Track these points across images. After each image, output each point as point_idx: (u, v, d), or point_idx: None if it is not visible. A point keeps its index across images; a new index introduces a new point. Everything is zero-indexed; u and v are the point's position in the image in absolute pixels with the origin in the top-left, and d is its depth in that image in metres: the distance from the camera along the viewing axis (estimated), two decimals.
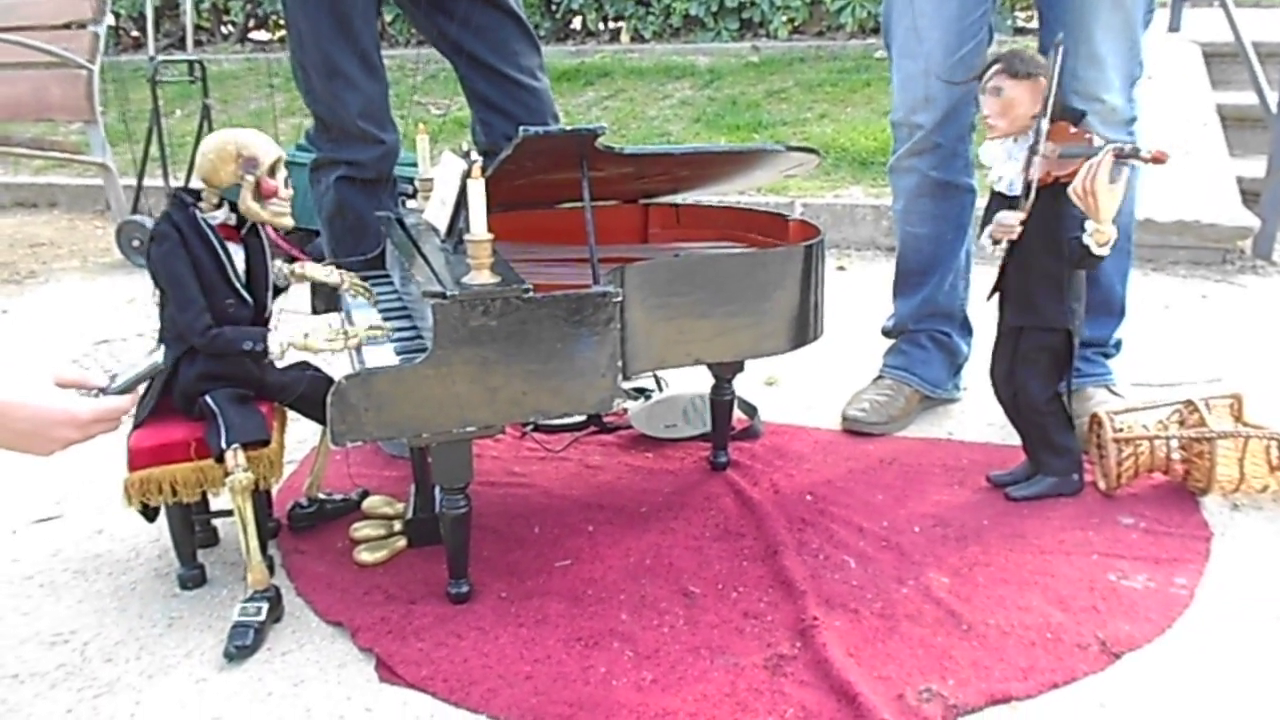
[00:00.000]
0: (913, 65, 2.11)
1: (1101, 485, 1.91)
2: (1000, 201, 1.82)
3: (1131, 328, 2.29)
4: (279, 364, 1.66)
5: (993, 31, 2.15)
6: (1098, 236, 1.67)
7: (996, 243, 1.80)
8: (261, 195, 1.61)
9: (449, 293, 1.43)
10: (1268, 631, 1.51)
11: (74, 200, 4.76)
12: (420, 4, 2.20)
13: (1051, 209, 1.74)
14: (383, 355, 1.59)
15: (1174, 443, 1.88)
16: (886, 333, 2.38)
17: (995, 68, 1.74)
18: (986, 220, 1.84)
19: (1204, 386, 2.28)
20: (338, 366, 1.59)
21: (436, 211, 1.74)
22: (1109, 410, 1.95)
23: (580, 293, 1.49)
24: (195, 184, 1.64)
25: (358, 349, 1.63)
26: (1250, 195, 3.51)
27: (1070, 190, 1.66)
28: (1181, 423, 1.91)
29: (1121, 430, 1.90)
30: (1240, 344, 2.68)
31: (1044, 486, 1.91)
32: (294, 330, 1.61)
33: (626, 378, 1.59)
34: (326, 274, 1.80)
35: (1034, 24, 2.33)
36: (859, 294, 3.09)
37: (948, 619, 1.55)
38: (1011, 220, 1.75)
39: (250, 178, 1.60)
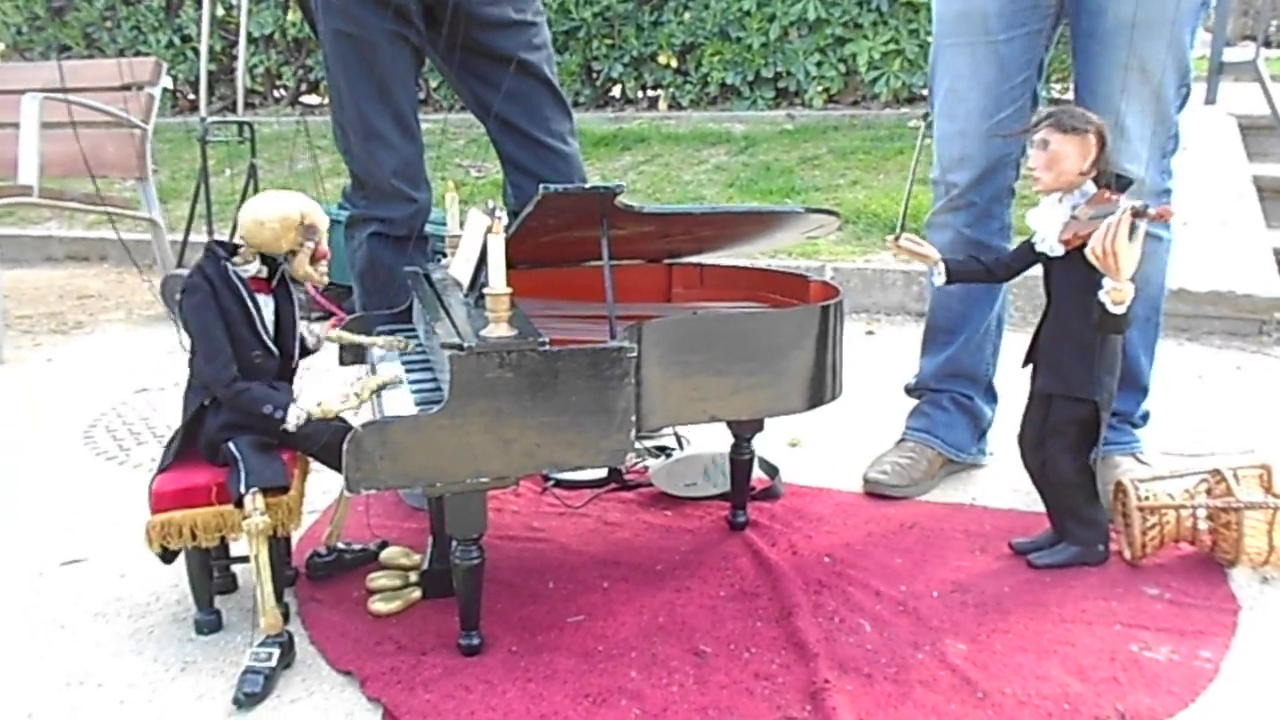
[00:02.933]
0: (950, 125, 2.15)
1: (1126, 554, 1.87)
2: (1030, 254, 1.84)
3: (1164, 398, 2.26)
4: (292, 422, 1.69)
5: (1037, 97, 2.17)
6: (1114, 295, 1.66)
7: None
8: (315, 259, 1.67)
9: (466, 344, 1.46)
10: None
11: (123, 254, 4.91)
12: (455, 69, 2.28)
13: (1084, 273, 1.74)
14: (401, 404, 1.62)
15: (1201, 512, 1.85)
16: (909, 390, 2.38)
17: (1045, 121, 1.75)
18: (1015, 258, 1.88)
19: (1236, 457, 2.24)
20: (363, 415, 1.61)
21: (461, 267, 1.78)
22: (1134, 478, 1.92)
23: (595, 347, 1.51)
24: (236, 239, 1.70)
25: (378, 397, 1.66)
26: None
27: (1088, 251, 1.65)
28: (1208, 492, 1.87)
29: (1147, 499, 1.87)
30: (1274, 416, 2.63)
31: (1068, 555, 1.87)
32: (309, 398, 1.65)
33: (641, 433, 1.60)
34: (356, 336, 1.85)
35: (1069, 95, 2.36)
36: (887, 358, 3.09)
37: (963, 686, 1.52)
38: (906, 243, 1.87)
39: (310, 244, 1.65)
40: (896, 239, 1.92)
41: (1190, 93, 2.06)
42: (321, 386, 1.70)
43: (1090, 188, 1.73)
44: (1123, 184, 1.75)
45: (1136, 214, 1.61)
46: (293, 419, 1.63)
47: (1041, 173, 1.75)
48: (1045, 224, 1.79)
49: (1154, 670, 1.55)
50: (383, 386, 1.68)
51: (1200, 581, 1.80)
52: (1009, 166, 2.16)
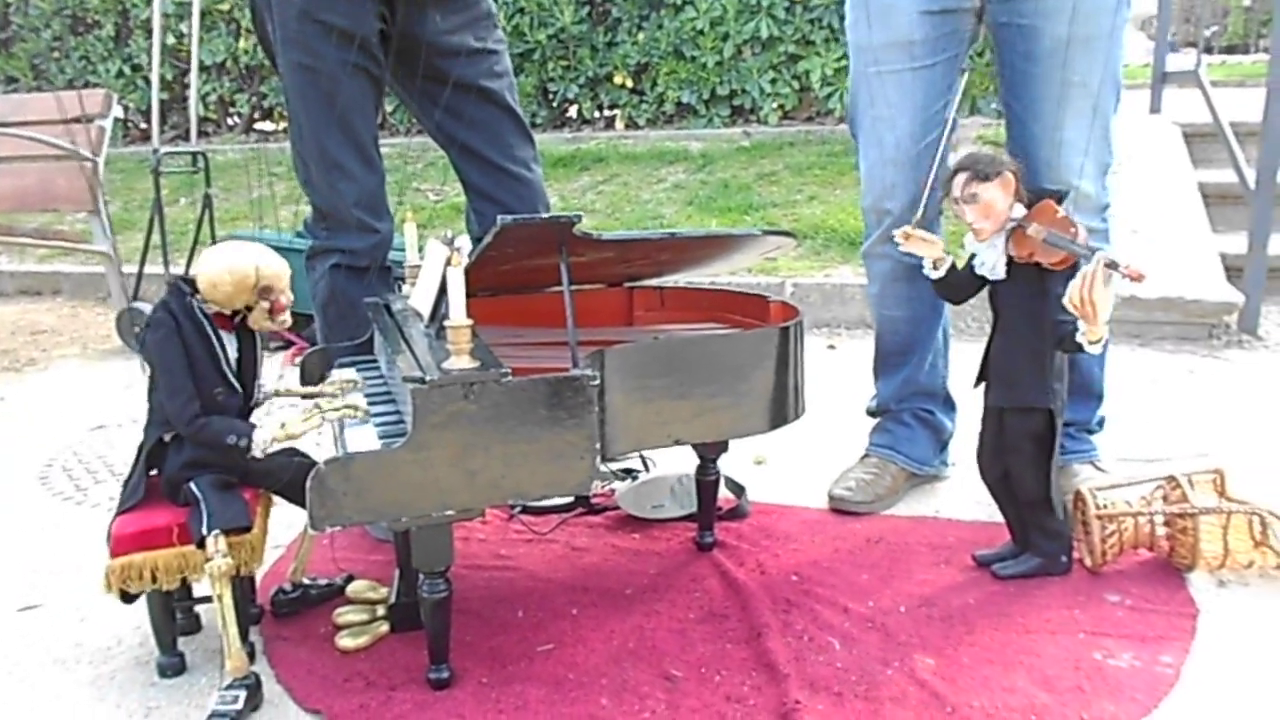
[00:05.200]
0: (878, 153, 2.15)
1: (1087, 562, 1.91)
2: (975, 279, 1.86)
3: (1118, 403, 2.31)
4: (260, 458, 1.67)
5: (956, 119, 2.20)
6: (1090, 335, 1.70)
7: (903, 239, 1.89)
8: (274, 313, 1.66)
9: (427, 377, 1.46)
10: (1254, 711, 1.50)
11: (77, 288, 4.84)
12: (417, 97, 2.28)
13: (1036, 286, 1.78)
14: (365, 439, 1.61)
15: (1158, 518, 1.88)
16: (870, 413, 2.40)
17: (963, 177, 1.78)
18: (942, 282, 1.90)
19: (1190, 462, 2.28)
20: (326, 450, 1.60)
21: (421, 298, 1.77)
22: (1092, 486, 1.96)
23: (557, 376, 1.52)
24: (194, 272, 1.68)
25: (341, 431, 1.65)
26: (1234, 271, 3.56)
27: (1066, 301, 1.68)
28: (1165, 498, 1.91)
29: (1105, 507, 1.90)
30: (1226, 419, 2.69)
31: (1031, 566, 1.90)
32: (272, 426, 1.63)
33: (606, 459, 1.61)
34: (307, 391, 1.83)
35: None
36: (849, 373, 3.12)
37: (932, 701, 1.54)
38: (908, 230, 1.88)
39: (265, 303, 1.64)
40: (908, 232, 1.89)
41: (1120, 102, 2.10)
42: (282, 414, 1.68)
43: (1019, 210, 1.76)
44: (1053, 194, 1.79)
45: (1110, 266, 1.65)
46: (258, 446, 1.61)
47: (980, 223, 1.78)
48: (986, 252, 1.82)
49: (1117, 678, 1.58)
50: (348, 415, 1.65)
51: (1159, 587, 1.84)
52: (937, 188, 2.18)
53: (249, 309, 1.66)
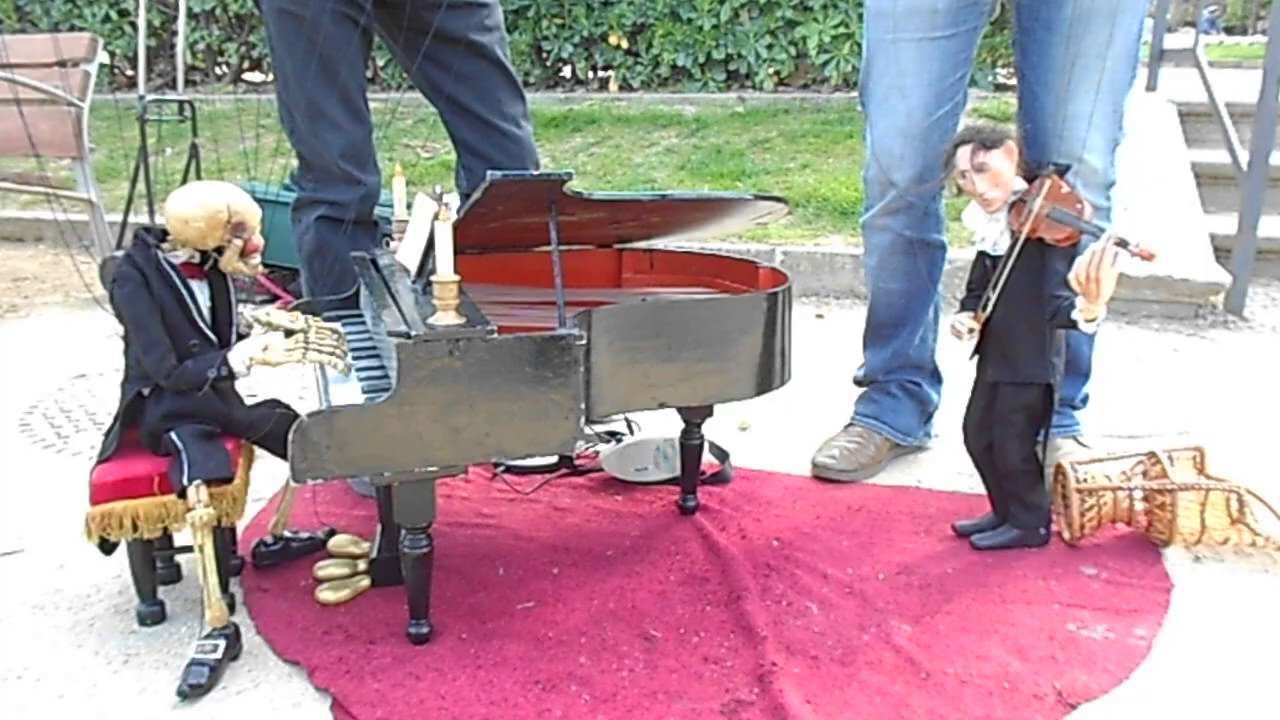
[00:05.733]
0: (890, 123, 2.12)
1: (1065, 535, 1.92)
2: (985, 262, 1.85)
3: (1103, 380, 2.32)
4: (244, 378, 1.64)
5: (967, 95, 2.18)
6: (1087, 313, 1.70)
7: (959, 337, 1.83)
8: (246, 254, 1.63)
9: (413, 333, 1.45)
10: (1223, 684, 1.52)
11: (60, 235, 4.77)
12: (407, 50, 2.24)
13: (1037, 263, 1.77)
14: (349, 393, 1.60)
15: (1137, 494, 1.90)
16: (858, 382, 2.40)
17: (968, 147, 1.76)
18: (971, 281, 1.88)
19: (1171, 439, 2.30)
20: (309, 404, 1.59)
21: (408, 252, 1.76)
22: (1073, 461, 1.97)
23: (544, 335, 1.51)
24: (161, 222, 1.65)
25: (325, 385, 1.64)
26: (1222, 251, 3.57)
27: (1071, 277, 1.68)
28: (1145, 474, 1.92)
29: (1085, 481, 1.91)
30: (1209, 398, 2.71)
31: (1009, 537, 1.91)
32: (254, 344, 1.60)
33: (591, 420, 1.61)
34: (291, 320, 1.80)
35: (1014, 80, 2.34)
36: (836, 342, 3.12)
37: (907, 667, 1.55)
38: (968, 323, 1.81)
39: (238, 241, 1.61)
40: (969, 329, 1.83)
41: (1135, 78, 2.08)
42: (265, 338, 1.64)
43: (1020, 182, 1.76)
44: (1059, 168, 1.78)
45: (1120, 244, 1.64)
46: (238, 364, 1.59)
47: (992, 193, 1.77)
48: (986, 226, 1.82)
49: (1090, 648, 1.60)
50: (330, 362, 1.62)
51: (1136, 561, 1.86)
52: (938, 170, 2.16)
53: (220, 250, 1.63)
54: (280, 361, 1.59)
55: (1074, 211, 1.72)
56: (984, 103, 4.95)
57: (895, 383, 2.33)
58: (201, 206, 1.59)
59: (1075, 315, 1.72)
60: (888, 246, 2.22)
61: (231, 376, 1.60)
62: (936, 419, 2.39)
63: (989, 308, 1.79)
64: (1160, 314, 3.43)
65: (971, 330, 1.82)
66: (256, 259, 1.65)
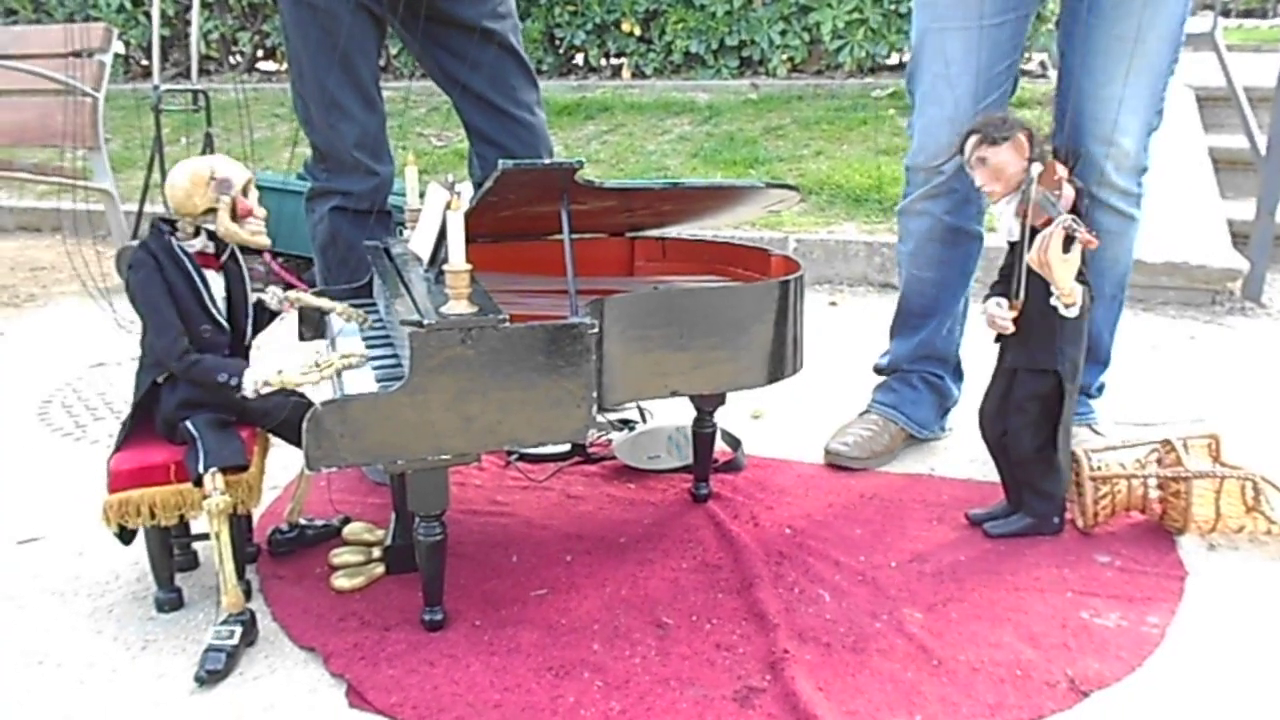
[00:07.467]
0: (938, 111, 2.10)
1: (1079, 523, 1.92)
2: (1012, 254, 1.84)
3: (1119, 367, 2.30)
4: (251, 398, 1.66)
5: (1017, 81, 2.16)
6: (1064, 299, 1.72)
7: (995, 326, 1.83)
8: (238, 215, 1.64)
9: (425, 321, 1.45)
10: (1236, 672, 1.51)
11: (76, 225, 4.80)
12: (419, 38, 2.24)
13: None
14: (362, 382, 1.61)
15: (1151, 482, 1.89)
16: (879, 370, 2.39)
17: (973, 140, 1.77)
18: (1003, 273, 1.87)
19: (1186, 426, 2.29)
20: (323, 392, 1.60)
21: (421, 241, 1.76)
22: (1087, 448, 1.96)
23: (556, 324, 1.51)
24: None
25: (338, 375, 1.65)
26: (1240, 238, 3.54)
27: (1029, 259, 1.69)
28: (1159, 462, 1.91)
29: (1099, 469, 1.90)
30: (1226, 385, 2.69)
31: (1022, 525, 1.91)
32: (269, 366, 1.61)
33: (603, 409, 1.61)
34: (320, 300, 1.82)
35: (1028, 65, 2.34)
36: (850, 329, 3.11)
37: (919, 654, 1.55)
38: (1003, 314, 1.80)
39: (226, 199, 1.62)
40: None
41: (1177, 63, 2.04)
42: (281, 358, 1.67)
43: (1036, 168, 1.75)
44: (1063, 155, 1.78)
45: (1068, 233, 1.67)
46: (249, 386, 1.59)
47: (990, 186, 1.79)
48: (1005, 216, 1.82)
49: (1103, 636, 1.60)
50: (347, 366, 1.64)
51: (1149, 549, 1.85)
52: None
53: (212, 213, 1.64)
54: (296, 384, 1.60)
55: (1054, 196, 1.72)
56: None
57: (917, 374, 2.31)
58: (185, 170, 1.63)
59: (1054, 301, 1.73)
60: (925, 232, 2.20)
61: (238, 389, 1.60)
62: (953, 414, 2.37)
63: (1020, 295, 1.79)
64: (1177, 300, 3.41)
65: (1012, 319, 1.81)
66: (255, 225, 1.66)
